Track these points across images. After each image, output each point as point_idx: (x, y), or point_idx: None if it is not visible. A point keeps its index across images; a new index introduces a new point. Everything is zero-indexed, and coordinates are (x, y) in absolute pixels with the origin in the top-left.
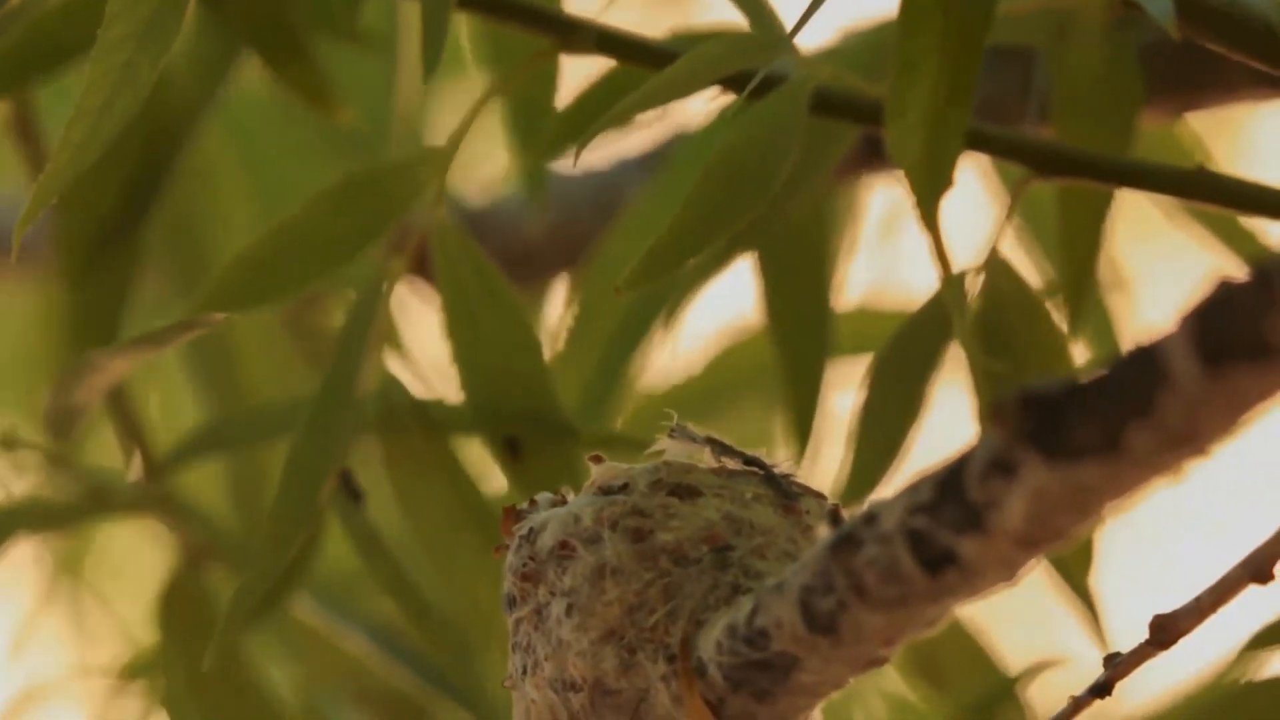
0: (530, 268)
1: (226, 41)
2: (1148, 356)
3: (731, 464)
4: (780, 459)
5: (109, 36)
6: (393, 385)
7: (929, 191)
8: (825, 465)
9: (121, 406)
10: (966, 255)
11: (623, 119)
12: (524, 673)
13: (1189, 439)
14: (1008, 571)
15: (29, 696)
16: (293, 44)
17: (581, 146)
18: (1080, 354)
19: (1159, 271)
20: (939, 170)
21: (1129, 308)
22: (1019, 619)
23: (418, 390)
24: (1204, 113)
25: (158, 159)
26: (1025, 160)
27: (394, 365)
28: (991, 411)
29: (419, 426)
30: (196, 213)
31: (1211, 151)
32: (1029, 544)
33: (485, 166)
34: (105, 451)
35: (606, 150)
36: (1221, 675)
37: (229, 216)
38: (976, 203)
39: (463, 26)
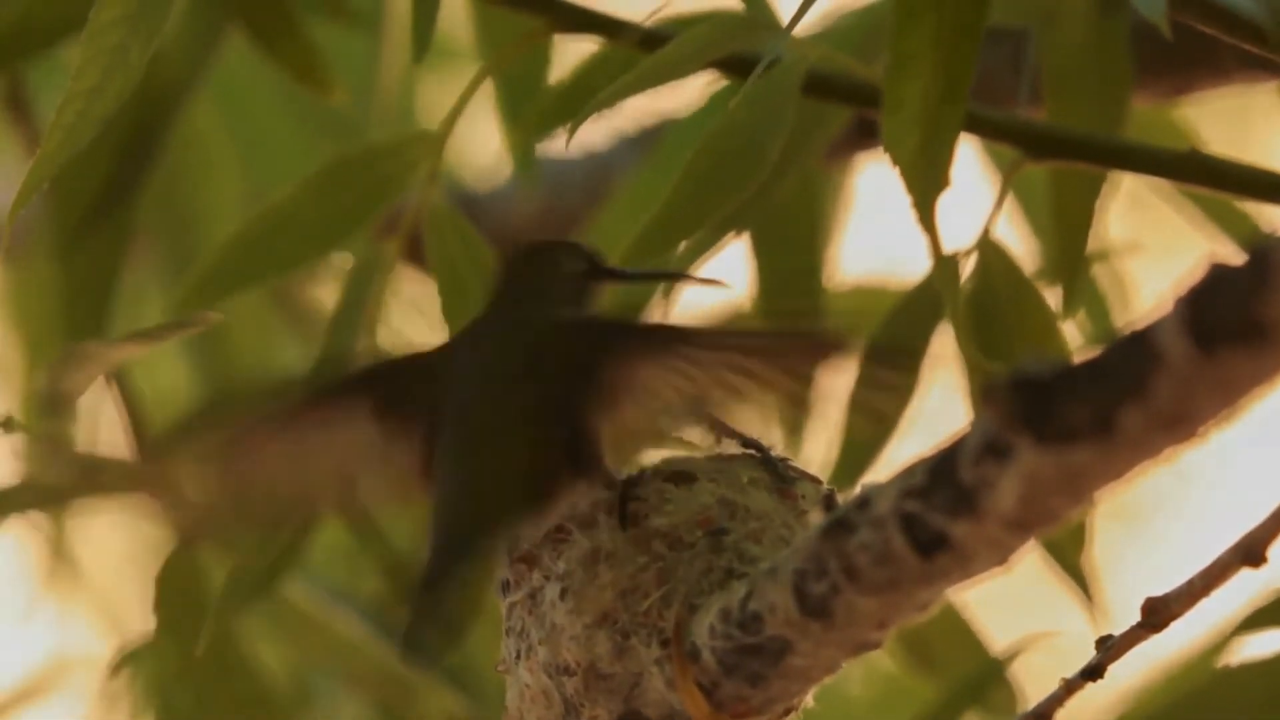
0: None
1: (216, 17)
2: (1140, 338)
3: (729, 445)
4: (774, 440)
5: (100, 19)
6: None
7: (925, 190)
8: (818, 445)
9: (116, 387)
10: (959, 234)
11: (614, 101)
12: (518, 657)
13: (1181, 421)
14: (1000, 554)
15: (28, 683)
16: (283, 21)
17: (574, 128)
18: (1074, 334)
19: (1154, 251)
20: (935, 169)
21: (1123, 288)
22: (1013, 603)
23: None
24: (1203, 95)
25: (147, 134)
26: (1018, 142)
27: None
28: (984, 394)
29: None
30: (186, 187)
31: (1215, 136)
32: (1022, 527)
33: (479, 150)
34: (99, 432)
35: (598, 131)
36: (1207, 656)
37: (218, 190)
38: (969, 182)
39: (458, 9)
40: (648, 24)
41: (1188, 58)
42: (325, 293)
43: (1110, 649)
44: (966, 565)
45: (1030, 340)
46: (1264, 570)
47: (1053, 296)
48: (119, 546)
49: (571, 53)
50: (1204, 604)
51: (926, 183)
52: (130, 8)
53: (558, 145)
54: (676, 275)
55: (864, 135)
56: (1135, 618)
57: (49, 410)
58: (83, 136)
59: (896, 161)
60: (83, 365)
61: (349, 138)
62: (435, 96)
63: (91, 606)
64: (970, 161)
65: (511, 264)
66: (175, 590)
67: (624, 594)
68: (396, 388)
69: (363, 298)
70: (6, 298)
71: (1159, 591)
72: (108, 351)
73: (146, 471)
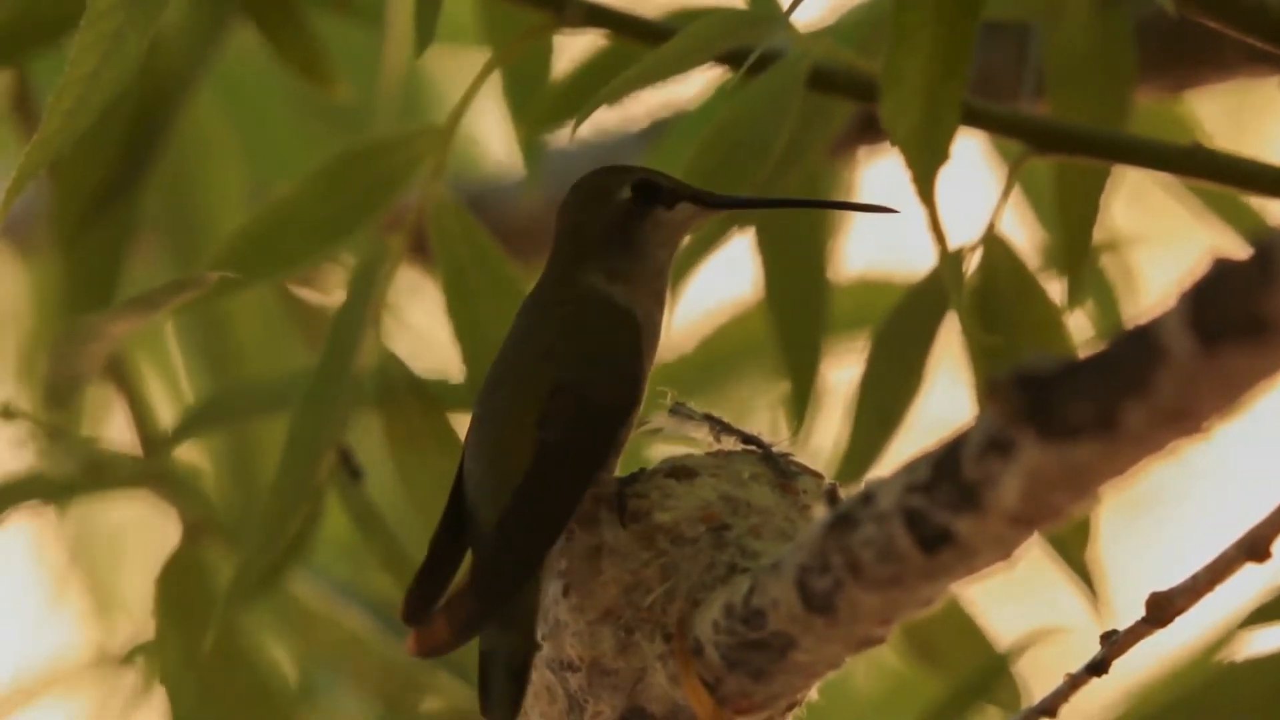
0: (528, 244)
1: (220, 10)
2: (1143, 334)
3: (730, 442)
4: (778, 436)
5: (98, 6)
6: (391, 361)
7: (925, 165)
8: (822, 439)
9: (120, 382)
10: (964, 229)
11: (619, 95)
12: None
13: (1185, 417)
14: (1004, 550)
15: (35, 678)
16: (287, 15)
17: (579, 121)
18: (1080, 328)
19: (1159, 243)
20: (935, 144)
21: (1129, 280)
22: (1018, 598)
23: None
24: (1207, 89)
25: (151, 127)
26: (1023, 137)
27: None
28: (988, 390)
29: (417, 402)
30: (190, 180)
31: (1219, 130)
32: (1025, 523)
33: (485, 144)
34: (104, 427)
35: (603, 125)
36: (1212, 652)
37: (222, 184)
38: (974, 176)
39: (463, 2)
40: (653, 18)
41: (1191, 52)
42: (331, 288)
43: (1115, 644)
44: (970, 561)
45: (1035, 335)
46: (1268, 565)
47: (1059, 290)
48: (125, 541)
49: (577, 46)
50: (1208, 599)
51: (926, 158)
52: None
53: (564, 138)
54: (759, 202)
55: (868, 130)
56: (1140, 613)
57: (53, 392)
58: (81, 123)
59: (895, 139)
60: (85, 341)
61: (354, 131)
62: (441, 90)
63: (98, 601)
64: (975, 156)
65: (568, 200)
66: (179, 586)
67: (627, 590)
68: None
69: (368, 293)
70: (11, 289)
71: (1163, 586)
72: (108, 324)
73: (152, 467)
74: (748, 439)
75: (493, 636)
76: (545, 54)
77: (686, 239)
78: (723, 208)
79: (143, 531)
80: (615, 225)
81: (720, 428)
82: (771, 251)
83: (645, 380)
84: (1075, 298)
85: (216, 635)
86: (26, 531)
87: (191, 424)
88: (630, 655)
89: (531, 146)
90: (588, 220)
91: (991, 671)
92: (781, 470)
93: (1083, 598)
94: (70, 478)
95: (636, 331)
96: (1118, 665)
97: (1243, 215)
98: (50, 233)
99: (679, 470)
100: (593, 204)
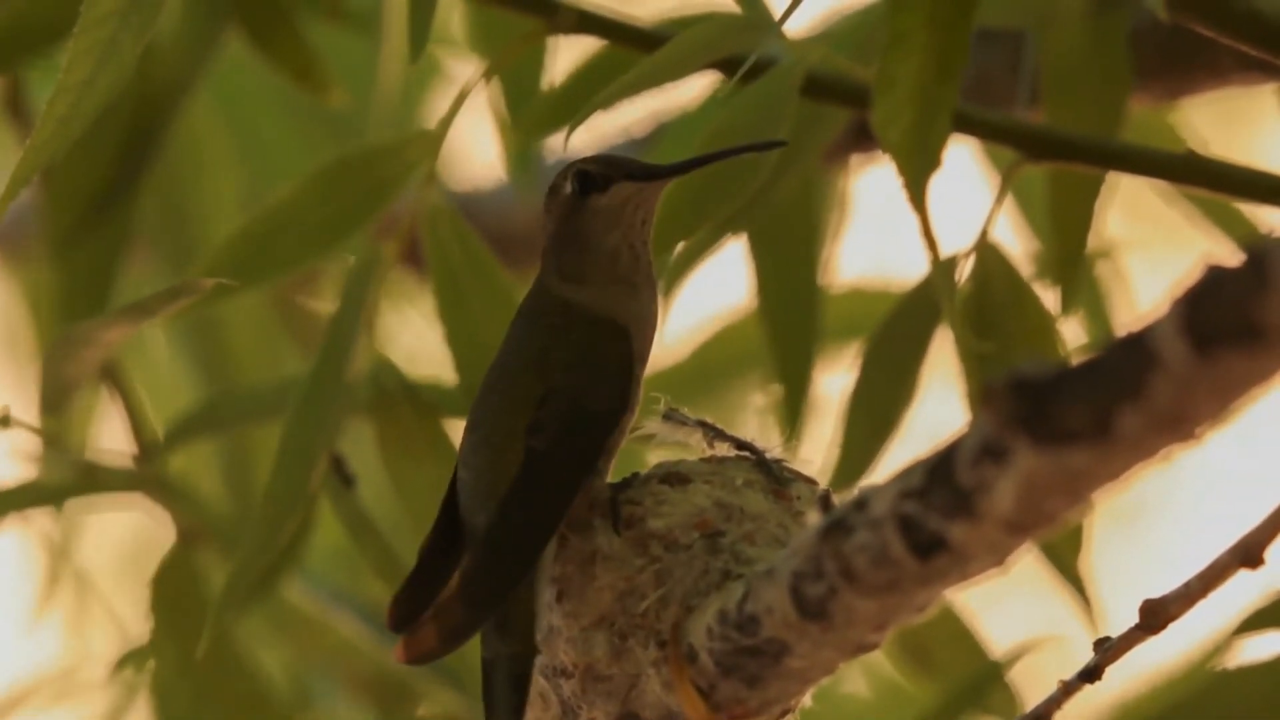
0: (520, 251)
1: (214, 17)
2: (1137, 340)
3: (724, 448)
4: (771, 443)
5: (93, 13)
6: (384, 367)
7: (917, 172)
8: (816, 445)
9: (115, 388)
10: (958, 237)
11: (613, 102)
12: None
13: (1179, 422)
14: (998, 556)
15: (29, 685)
16: (281, 22)
17: (573, 128)
18: (1073, 335)
19: (1152, 250)
20: (927, 150)
21: (1122, 287)
22: (1011, 605)
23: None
24: (1201, 97)
25: (146, 134)
26: (1016, 144)
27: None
28: (982, 395)
29: (410, 408)
30: (184, 187)
31: (1213, 138)
32: (1019, 528)
33: (478, 151)
34: (98, 433)
35: (597, 132)
36: (1205, 659)
37: (217, 190)
38: (968, 183)
39: (455, 10)
40: (647, 25)
41: (1186, 59)
42: (324, 292)
43: (1108, 651)
44: (964, 567)
45: (1028, 342)
46: (1262, 572)
47: (1051, 297)
48: (120, 547)
49: (570, 53)
50: (1202, 606)
51: (918, 165)
52: (122, 2)
53: (556, 146)
54: (693, 163)
55: (862, 138)
56: (1133, 620)
57: (47, 398)
58: (74, 129)
59: (886, 145)
60: (78, 348)
61: (348, 137)
62: (434, 97)
63: (92, 608)
64: (969, 163)
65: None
66: (173, 592)
67: (621, 596)
68: None
69: (361, 298)
70: (6, 296)
71: (1157, 593)
72: (102, 331)
73: (146, 473)
74: (741, 445)
75: (493, 644)
76: (538, 60)
77: (680, 245)
78: (658, 178)
79: (137, 537)
80: (563, 222)
81: (714, 434)
82: (765, 259)
83: (637, 384)
84: (1069, 305)
85: (210, 642)
86: (21, 538)
87: (185, 430)
88: (624, 661)
89: (523, 154)
90: (548, 222)
91: (985, 678)
92: (775, 476)
93: (1075, 605)
94: (64, 483)
95: (626, 338)
96: (1111, 672)
97: (1236, 222)
98: (44, 239)
99: (672, 476)
100: (550, 205)
